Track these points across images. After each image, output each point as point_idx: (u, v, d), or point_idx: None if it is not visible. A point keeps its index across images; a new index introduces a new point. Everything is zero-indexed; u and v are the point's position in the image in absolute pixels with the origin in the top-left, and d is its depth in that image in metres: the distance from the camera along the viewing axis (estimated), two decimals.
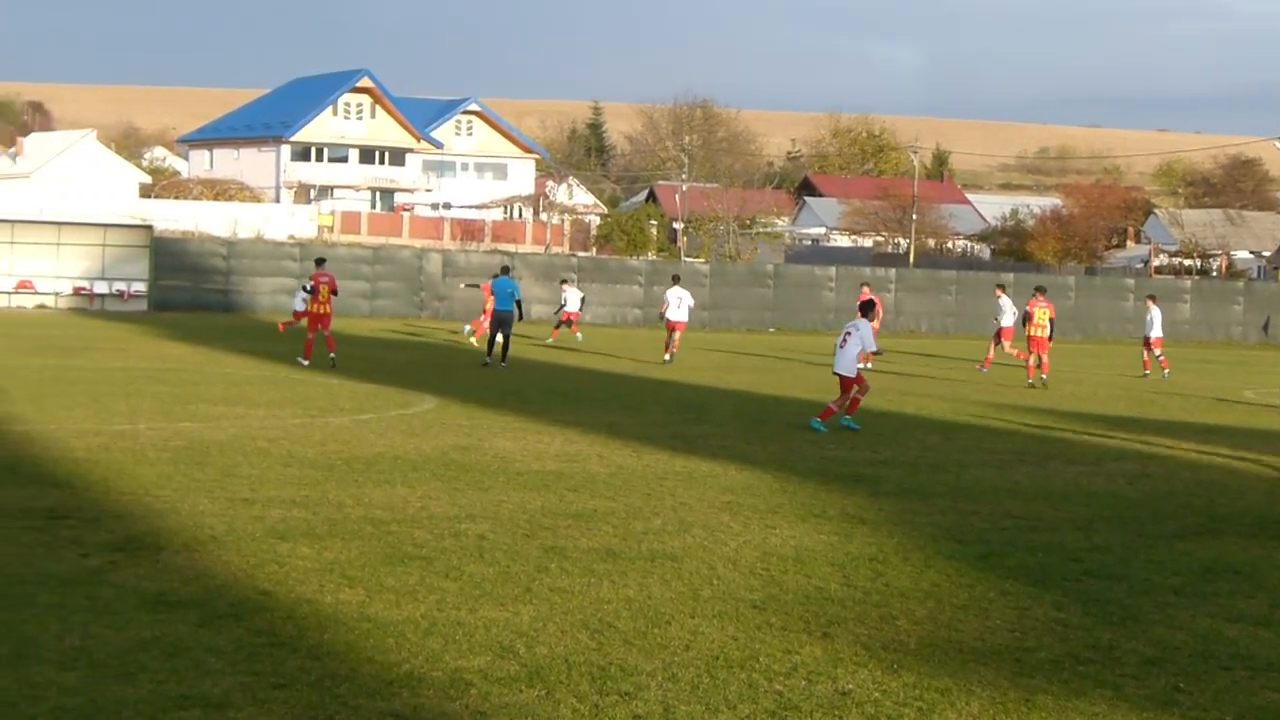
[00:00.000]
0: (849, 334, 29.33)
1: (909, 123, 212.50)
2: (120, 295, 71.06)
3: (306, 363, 39.46)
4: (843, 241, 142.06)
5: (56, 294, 70.65)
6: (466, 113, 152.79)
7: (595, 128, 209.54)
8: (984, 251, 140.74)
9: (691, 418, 30.36)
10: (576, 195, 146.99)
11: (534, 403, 32.04)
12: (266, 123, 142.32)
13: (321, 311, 40.58)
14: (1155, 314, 51.12)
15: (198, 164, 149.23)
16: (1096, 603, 14.29)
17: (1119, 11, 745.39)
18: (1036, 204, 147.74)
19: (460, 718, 10.25)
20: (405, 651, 11.65)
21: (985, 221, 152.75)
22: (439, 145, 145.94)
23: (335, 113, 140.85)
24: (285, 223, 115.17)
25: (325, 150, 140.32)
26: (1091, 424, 31.79)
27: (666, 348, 47.77)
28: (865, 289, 51.97)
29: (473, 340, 52.25)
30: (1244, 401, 41.15)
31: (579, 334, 56.28)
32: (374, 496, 18.74)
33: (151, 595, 13.10)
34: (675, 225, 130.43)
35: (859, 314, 30.40)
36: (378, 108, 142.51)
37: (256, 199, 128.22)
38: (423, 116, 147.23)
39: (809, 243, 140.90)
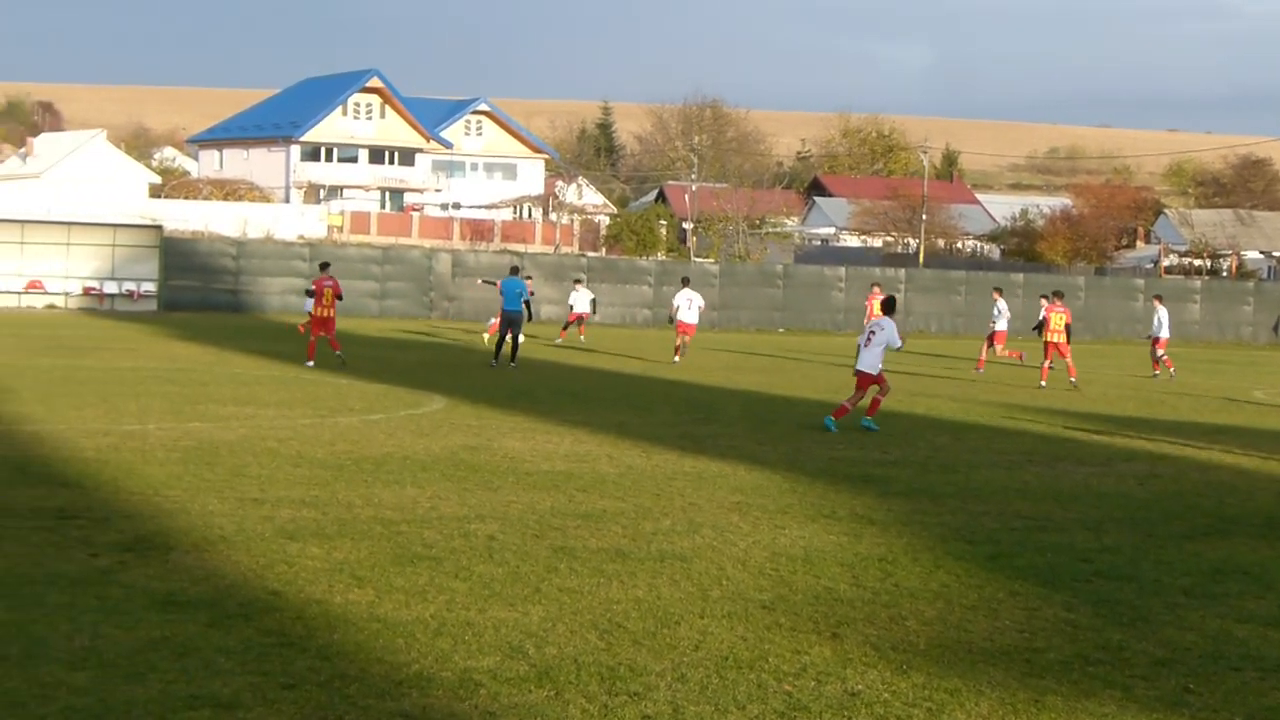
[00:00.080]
0: (873, 333, 29.36)
1: (919, 123, 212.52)
2: (130, 295, 71.09)
3: (312, 364, 39.50)
4: (852, 242, 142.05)
5: (66, 294, 70.68)
6: (476, 113, 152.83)
7: (605, 128, 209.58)
8: (994, 252, 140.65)
9: (701, 418, 30.35)
10: (586, 195, 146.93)
11: (543, 403, 32.03)
12: (276, 123, 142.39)
13: (325, 316, 40.59)
14: (1162, 314, 51.10)
15: (207, 164, 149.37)
16: (1106, 603, 14.28)
17: (1129, 12, 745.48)
18: (1046, 204, 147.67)
19: (469, 718, 10.25)
20: (414, 652, 11.65)
21: (995, 221, 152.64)
22: (448, 145, 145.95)
23: (345, 113, 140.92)
24: (295, 223, 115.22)
25: (335, 150, 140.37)
26: (1101, 424, 31.76)
27: (676, 350, 47.79)
28: (876, 289, 52.04)
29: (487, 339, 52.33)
30: (1254, 402, 41.12)
31: (582, 335, 56.30)
32: (383, 497, 18.74)
33: (161, 595, 13.10)
34: (685, 225, 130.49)
35: (881, 312, 30.40)
36: (387, 108, 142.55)
37: (266, 199, 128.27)
38: (432, 116, 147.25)
39: (818, 243, 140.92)
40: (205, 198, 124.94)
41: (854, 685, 11.31)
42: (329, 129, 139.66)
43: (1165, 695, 11.39)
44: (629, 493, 19.89)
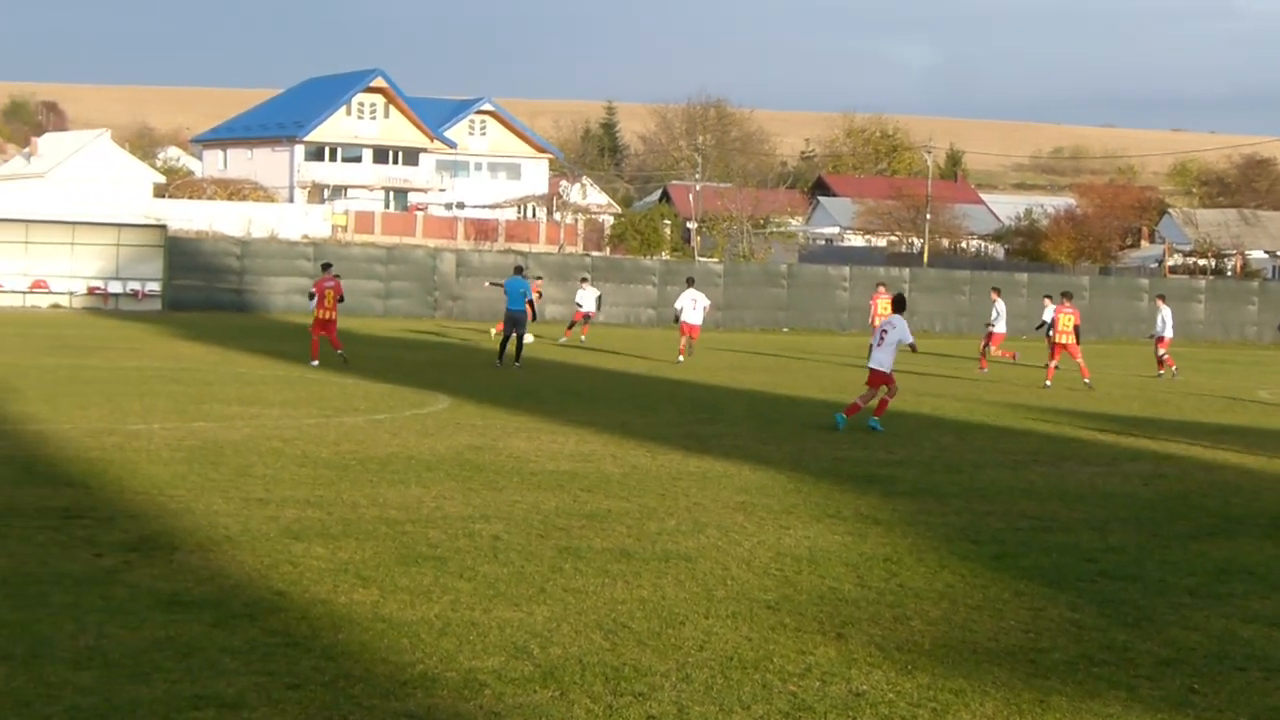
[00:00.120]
0: (885, 332, 29.43)
1: (923, 122, 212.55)
2: (134, 295, 71.13)
3: (317, 363, 39.52)
4: (857, 241, 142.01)
5: (71, 294, 70.73)
6: (480, 112, 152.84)
7: (609, 127, 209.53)
8: (998, 251, 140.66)
9: (705, 418, 30.36)
10: (590, 195, 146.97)
11: (548, 403, 32.03)
12: (280, 123, 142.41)
13: (327, 317, 40.58)
14: (1166, 314, 51.12)
15: (212, 164, 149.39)
16: (1111, 603, 14.27)
17: (1133, 11, 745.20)
18: (1051, 204, 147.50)
19: (474, 718, 10.25)
20: (419, 652, 11.65)
21: (999, 221, 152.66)
22: (453, 145, 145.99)
23: (349, 113, 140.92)
24: (299, 222, 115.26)
25: (339, 150, 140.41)
26: (1106, 424, 31.75)
27: (681, 350, 47.88)
28: (881, 288, 52.13)
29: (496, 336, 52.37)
30: (1259, 401, 41.12)
31: (582, 335, 56.29)
32: (388, 496, 18.75)
33: (166, 595, 13.11)
34: (689, 225, 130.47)
35: (892, 310, 30.44)
36: (391, 108, 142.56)
37: (270, 199, 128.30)
38: (436, 116, 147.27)
39: (823, 243, 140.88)
40: (210, 197, 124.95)
41: (859, 685, 11.31)
42: (333, 129, 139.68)
43: (1170, 695, 11.39)
44: (634, 493, 19.89)
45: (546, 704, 10.54)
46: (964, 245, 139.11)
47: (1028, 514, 19.35)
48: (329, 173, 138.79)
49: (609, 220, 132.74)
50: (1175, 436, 29.70)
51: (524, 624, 12.62)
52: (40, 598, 12.88)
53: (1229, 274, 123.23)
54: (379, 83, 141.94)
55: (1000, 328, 50.62)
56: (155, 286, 71.56)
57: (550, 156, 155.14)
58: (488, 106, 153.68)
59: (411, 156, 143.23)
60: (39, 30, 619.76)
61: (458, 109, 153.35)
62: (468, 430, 26.14)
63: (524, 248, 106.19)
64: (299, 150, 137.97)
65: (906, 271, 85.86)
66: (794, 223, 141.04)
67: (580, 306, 57.09)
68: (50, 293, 70.42)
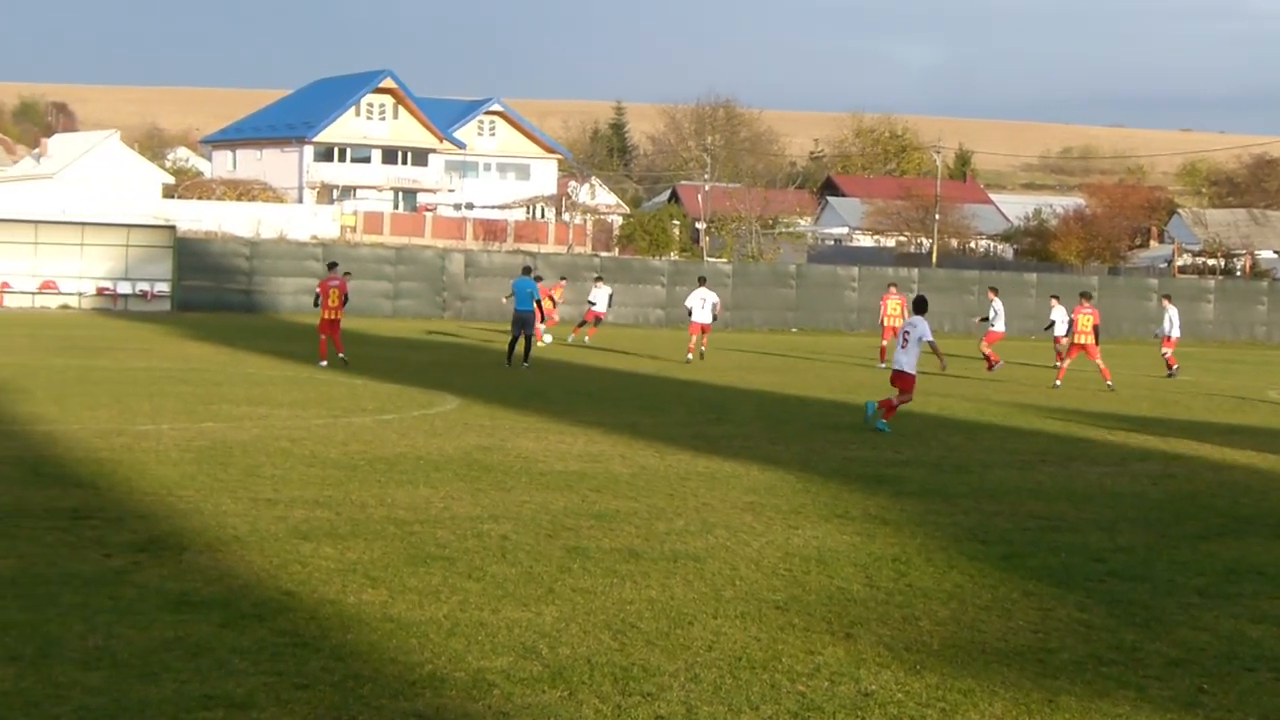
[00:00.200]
0: (908, 333, 29.42)
1: (932, 122, 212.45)
2: (143, 295, 71.17)
3: (325, 364, 39.56)
4: (865, 241, 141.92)
5: (80, 294, 70.78)
6: (489, 113, 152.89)
7: (618, 128, 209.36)
8: (1007, 251, 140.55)
9: (714, 418, 30.35)
10: (599, 195, 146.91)
11: (556, 403, 32.03)
12: (289, 123, 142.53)
13: (332, 317, 40.60)
14: (1173, 313, 51.08)
15: (221, 164, 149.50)
16: (1120, 604, 14.26)
17: (1142, 11, 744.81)
18: (1060, 204, 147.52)
19: (483, 718, 10.25)
20: (428, 652, 11.65)
21: (1008, 221, 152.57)
22: (462, 145, 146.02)
23: (358, 113, 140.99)
24: (308, 223, 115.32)
25: (348, 151, 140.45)
26: (1115, 424, 31.73)
27: (690, 348, 47.99)
28: (892, 289, 52.10)
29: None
30: (1268, 401, 41.08)
31: (587, 336, 56.20)
32: (397, 497, 18.75)
33: (175, 595, 13.12)
34: (698, 225, 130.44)
35: (914, 311, 30.42)
36: (400, 108, 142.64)
37: (279, 199, 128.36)
38: (445, 117, 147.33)
39: (831, 243, 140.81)
40: (219, 198, 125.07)
41: (867, 685, 11.31)
42: (342, 129, 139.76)
43: (1179, 696, 11.38)
44: (642, 493, 19.89)
45: (555, 704, 10.54)
46: (973, 245, 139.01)
47: (1036, 514, 19.34)
48: (338, 173, 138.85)
49: (618, 221, 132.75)
50: (1184, 436, 29.67)
51: (532, 624, 12.63)
52: (49, 598, 12.89)
53: (1238, 274, 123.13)
54: (388, 83, 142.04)
55: (999, 326, 50.62)
56: (164, 287, 71.60)
57: (559, 157, 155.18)
58: (497, 107, 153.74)
59: (420, 157, 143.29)
60: (49, 31, 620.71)
61: (467, 109, 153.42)
62: (476, 430, 26.15)
63: (533, 248, 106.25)
64: (308, 151, 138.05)
65: (915, 272, 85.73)
66: (803, 223, 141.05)
67: (593, 305, 57.00)
68: (59, 293, 70.49)
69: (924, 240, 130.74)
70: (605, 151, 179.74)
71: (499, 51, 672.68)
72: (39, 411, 26.63)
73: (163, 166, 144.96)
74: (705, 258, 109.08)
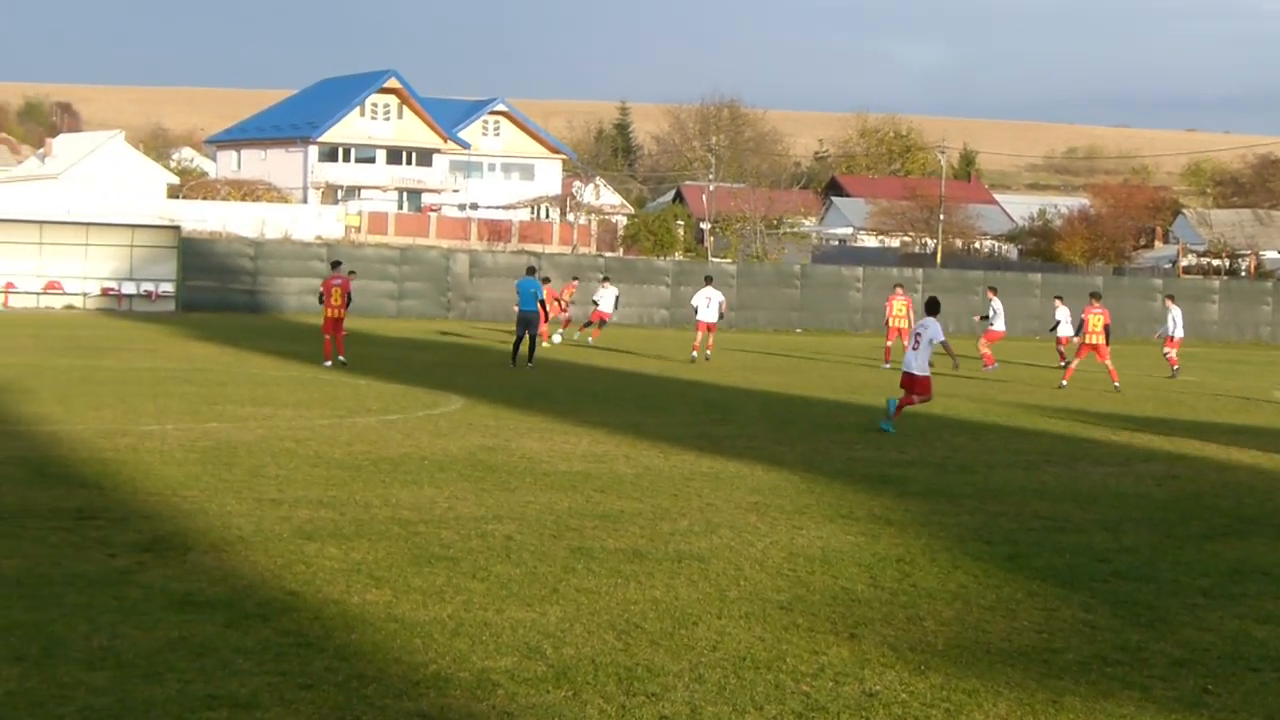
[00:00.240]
0: (919, 334, 29.43)
1: (936, 123, 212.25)
2: (148, 296, 71.20)
3: (329, 364, 39.60)
4: (870, 242, 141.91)
5: (85, 294, 70.83)
6: (494, 113, 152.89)
7: (622, 128, 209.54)
8: (1012, 252, 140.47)
9: (718, 418, 30.36)
10: (603, 195, 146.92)
11: (561, 403, 32.04)
12: (294, 123, 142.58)
13: (335, 316, 40.66)
14: (1176, 314, 51.07)
15: (225, 165, 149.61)
16: (1124, 604, 14.26)
17: (1147, 11, 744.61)
18: (1064, 204, 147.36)
19: (487, 718, 10.26)
20: (432, 652, 11.66)
21: (1013, 221, 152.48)
22: (466, 146, 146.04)
23: (362, 113, 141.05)
24: (312, 223, 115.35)
25: (352, 151, 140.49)
26: (1119, 425, 31.71)
27: (695, 346, 48.16)
28: (898, 289, 52.09)
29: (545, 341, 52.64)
30: (1272, 401, 41.05)
31: (589, 337, 56.16)
32: (401, 497, 18.76)
33: (179, 595, 13.12)
34: (702, 225, 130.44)
35: (926, 313, 30.39)
36: (405, 108, 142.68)
37: (284, 200, 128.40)
38: (450, 117, 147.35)
39: (836, 243, 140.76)
40: (223, 198, 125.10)
41: (872, 686, 11.31)
42: (347, 129, 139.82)
43: (1184, 696, 11.38)
44: (646, 493, 19.89)
45: (559, 704, 10.55)
46: (978, 246, 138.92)
47: (1041, 514, 19.34)
48: (342, 173, 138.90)
49: (622, 221, 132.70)
50: (1189, 437, 29.66)
51: (537, 624, 12.63)
52: (54, 598, 12.90)
53: (1243, 274, 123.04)
54: (392, 83, 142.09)
55: (998, 326, 50.67)
56: (169, 287, 71.64)
57: (564, 157, 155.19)
58: (501, 107, 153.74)
59: (425, 157, 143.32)
60: (53, 32, 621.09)
61: (471, 110, 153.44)
62: (480, 431, 26.15)
63: (537, 248, 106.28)
64: (313, 151, 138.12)
65: (920, 272, 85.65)
66: (807, 223, 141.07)
67: (598, 305, 56.93)
68: (64, 294, 70.53)
69: (928, 240, 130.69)
70: (610, 151, 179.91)
71: (503, 51, 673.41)
72: (44, 412, 26.65)
73: (167, 167, 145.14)
74: (710, 258, 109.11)
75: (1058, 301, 54.44)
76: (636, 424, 28.23)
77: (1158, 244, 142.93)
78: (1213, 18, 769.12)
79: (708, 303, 48.41)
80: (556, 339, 54.46)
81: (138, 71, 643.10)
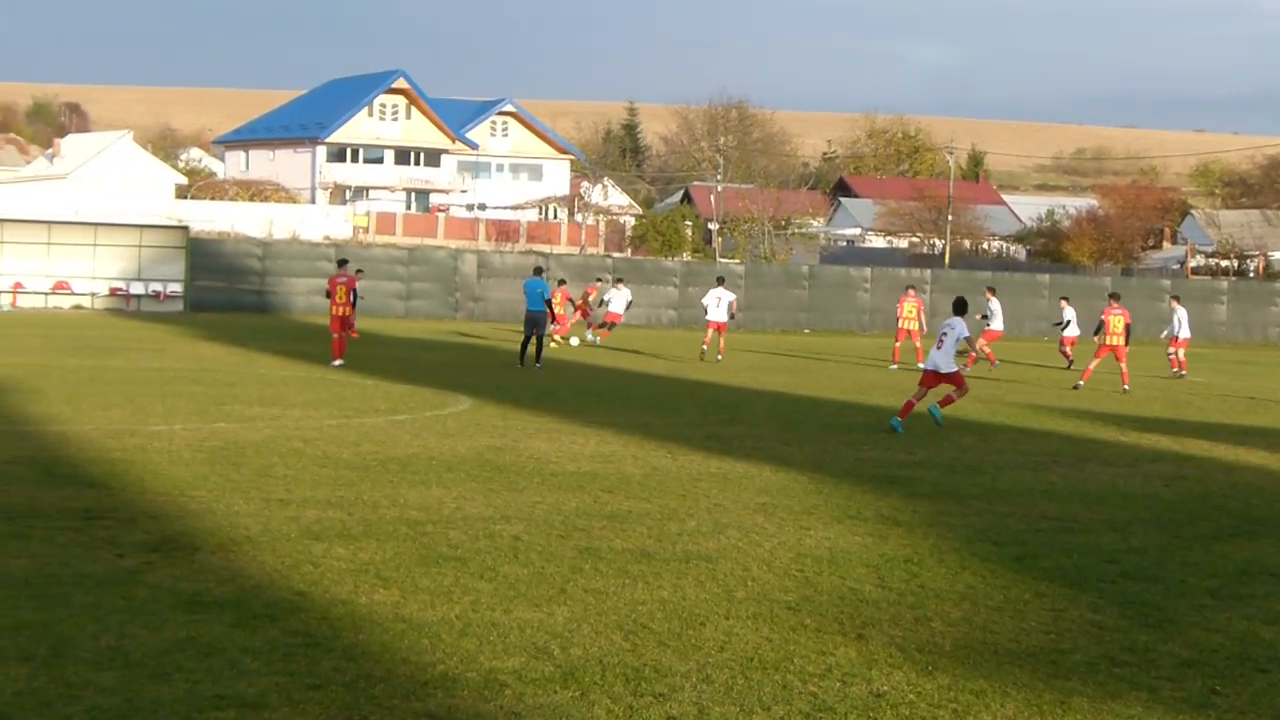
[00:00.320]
0: (944, 334, 29.50)
1: (944, 123, 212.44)
2: (156, 296, 71.29)
3: (338, 363, 39.65)
4: (878, 242, 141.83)
5: (93, 294, 70.92)
6: (502, 114, 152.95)
7: (630, 128, 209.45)
8: (1020, 252, 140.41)
9: (726, 419, 30.35)
10: (611, 196, 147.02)
11: (568, 404, 32.04)
12: (302, 124, 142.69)
13: (341, 314, 40.75)
14: (1181, 314, 51.07)
15: (233, 165, 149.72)
16: (1132, 605, 14.25)
17: (1156, 11, 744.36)
18: (1072, 205, 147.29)
19: (495, 719, 10.26)
20: (440, 652, 11.66)
21: (1021, 222, 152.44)
22: (474, 146, 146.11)
23: (371, 114, 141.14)
24: (321, 223, 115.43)
25: (361, 151, 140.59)
26: (1127, 425, 31.69)
27: (705, 341, 48.42)
28: (910, 291, 52.06)
29: (554, 344, 52.76)
30: None
31: (597, 337, 56.09)
32: (409, 497, 18.76)
33: (187, 595, 13.13)
34: (710, 226, 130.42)
35: (953, 312, 30.46)
36: (413, 109, 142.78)
37: (292, 200, 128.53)
38: (458, 117, 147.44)
39: (844, 244, 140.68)
40: (231, 199, 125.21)
41: (879, 686, 11.30)
42: (355, 130, 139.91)
43: (1192, 697, 11.37)
44: (654, 494, 19.89)
45: (567, 704, 10.55)
46: (986, 246, 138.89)
47: (1049, 515, 19.32)
48: (350, 174, 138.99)
49: (630, 221, 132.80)
50: (1197, 438, 29.63)
51: (544, 625, 12.63)
52: (62, 598, 12.91)
53: (1251, 275, 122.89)
54: (401, 84, 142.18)
55: (996, 325, 50.73)
56: (177, 287, 71.73)
57: (571, 157, 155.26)
58: (509, 107, 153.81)
59: (433, 158, 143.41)
60: (61, 32, 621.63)
61: (479, 110, 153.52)
62: (488, 431, 26.15)
63: (545, 249, 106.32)
64: (321, 151, 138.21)
65: (928, 273, 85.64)
66: (815, 224, 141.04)
67: (609, 306, 56.86)
68: (72, 294, 70.62)
69: (937, 241, 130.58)
70: (618, 152, 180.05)
71: (511, 52, 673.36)
72: (52, 412, 26.67)
73: (175, 167, 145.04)
74: (718, 258, 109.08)
75: (1064, 302, 54.50)
76: (644, 424, 28.23)
77: (1166, 245, 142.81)
78: (1222, 18, 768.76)
79: (717, 302, 48.52)
80: (574, 341, 54.53)
81: (146, 72, 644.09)
